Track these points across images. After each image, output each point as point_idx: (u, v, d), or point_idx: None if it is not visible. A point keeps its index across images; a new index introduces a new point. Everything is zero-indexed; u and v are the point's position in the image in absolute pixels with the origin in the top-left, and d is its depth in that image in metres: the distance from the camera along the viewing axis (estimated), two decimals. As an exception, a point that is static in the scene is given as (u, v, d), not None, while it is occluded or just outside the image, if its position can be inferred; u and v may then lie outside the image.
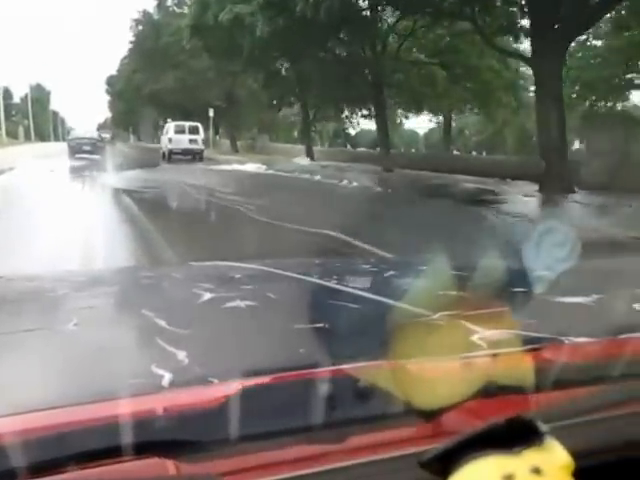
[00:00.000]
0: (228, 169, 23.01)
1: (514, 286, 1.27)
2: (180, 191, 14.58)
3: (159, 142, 37.41)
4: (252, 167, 24.35)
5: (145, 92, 45.10)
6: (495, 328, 0.90)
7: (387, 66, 26.13)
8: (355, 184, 17.27)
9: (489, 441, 0.48)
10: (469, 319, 0.94)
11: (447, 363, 0.77)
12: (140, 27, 47.95)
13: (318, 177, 19.80)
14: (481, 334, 0.88)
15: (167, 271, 1.92)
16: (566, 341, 0.90)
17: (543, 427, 0.49)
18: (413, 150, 51.89)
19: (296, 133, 48.69)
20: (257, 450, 0.62)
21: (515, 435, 0.48)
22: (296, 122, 43.52)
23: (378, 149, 28.95)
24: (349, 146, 46.70)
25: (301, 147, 35.38)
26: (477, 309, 0.99)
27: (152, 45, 44.18)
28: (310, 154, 31.66)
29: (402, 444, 0.63)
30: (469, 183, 18.64)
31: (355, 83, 26.94)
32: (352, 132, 47.94)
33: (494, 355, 0.80)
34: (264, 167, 24.16)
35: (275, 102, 33.59)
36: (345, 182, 17.83)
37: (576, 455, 0.54)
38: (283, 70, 30.59)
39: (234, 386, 0.66)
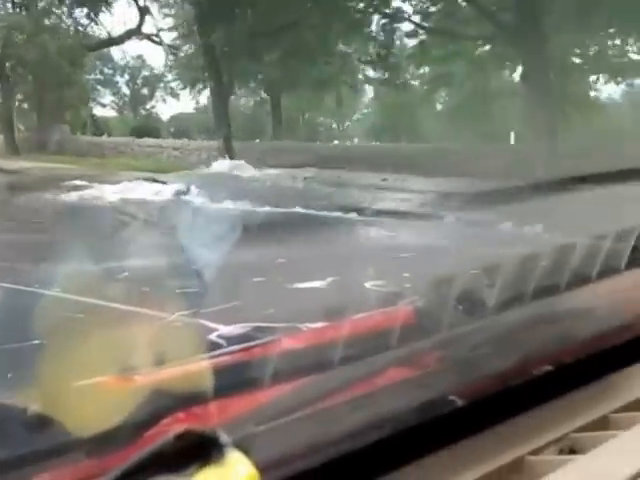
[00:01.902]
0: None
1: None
2: None
3: None
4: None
5: None
6: (233, 323, 0.90)
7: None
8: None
9: (163, 463, 0.42)
10: (207, 317, 0.94)
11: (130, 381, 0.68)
12: None
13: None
14: (221, 331, 0.88)
15: None
16: (303, 328, 0.92)
17: (224, 438, 0.44)
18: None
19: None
20: None
21: (192, 452, 0.42)
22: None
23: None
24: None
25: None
26: (213, 306, 0.99)
27: None
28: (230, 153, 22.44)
29: None
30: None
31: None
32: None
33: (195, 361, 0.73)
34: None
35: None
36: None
37: (277, 461, 0.52)
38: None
39: None
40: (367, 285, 1.07)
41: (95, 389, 0.67)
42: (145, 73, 34.70)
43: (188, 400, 0.60)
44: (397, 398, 0.69)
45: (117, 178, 16.44)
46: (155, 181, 16.04)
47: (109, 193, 14.20)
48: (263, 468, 0.47)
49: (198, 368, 0.68)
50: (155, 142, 26.27)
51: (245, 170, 18.90)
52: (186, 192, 14.43)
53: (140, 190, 14.96)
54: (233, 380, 0.68)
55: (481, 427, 0.70)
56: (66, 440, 0.59)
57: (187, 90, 30.06)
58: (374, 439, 0.64)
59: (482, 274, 0.87)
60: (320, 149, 24.18)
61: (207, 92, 28.11)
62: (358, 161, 17.63)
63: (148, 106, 34.71)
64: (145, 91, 34.89)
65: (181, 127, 31.28)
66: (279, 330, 0.88)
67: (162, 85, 33.75)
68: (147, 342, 0.79)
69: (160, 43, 26.71)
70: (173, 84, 31.82)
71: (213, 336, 0.89)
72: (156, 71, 33.35)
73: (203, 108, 31.25)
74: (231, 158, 21.58)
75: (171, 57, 28.62)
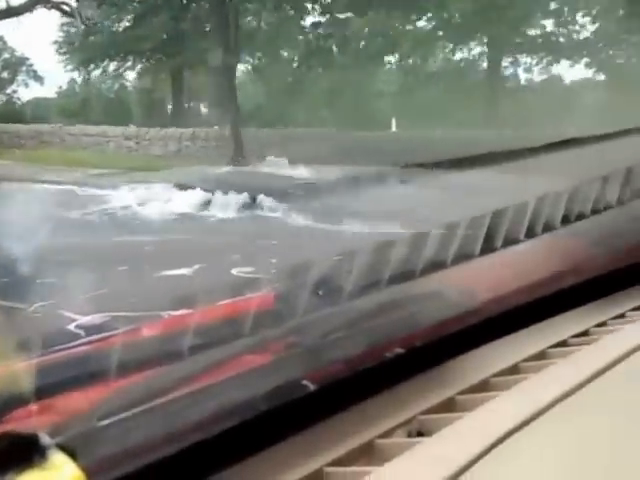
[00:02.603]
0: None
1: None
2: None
3: None
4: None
5: None
6: (96, 313, 0.89)
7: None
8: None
9: None
10: (68, 308, 0.93)
11: None
12: None
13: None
14: (79, 321, 0.87)
15: None
16: (166, 316, 0.90)
17: (46, 440, 0.42)
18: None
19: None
20: None
21: (11, 456, 0.39)
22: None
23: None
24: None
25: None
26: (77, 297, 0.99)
27: None
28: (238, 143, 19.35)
29: None
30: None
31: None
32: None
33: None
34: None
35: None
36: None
37: (115, 458, 0.50)
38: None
39: None
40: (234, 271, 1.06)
41: None
42: (6, 55, 32.40)
43: (20, 399, 0.55)
44: (248, 386, 0.69)
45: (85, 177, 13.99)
46: (182, 187, 12.23)
47: (134, 204, 11.49)
48: (97, 466, 0.44)
49: (28, 365, 0.62)
50: (97, 130, 21.65)
51: (292, 169, 14.84)
52: (253, 204, 11.05)
53: (177, 200, 11.48)
54: (78, 373, 0.65)
55: (333, 411, 0.71)
56: None
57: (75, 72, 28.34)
58: (223, 428, 0.63)
59: (342, 261, 0.88)
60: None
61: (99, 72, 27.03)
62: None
63: (9, 90, 32.49)
64: (5, 75, 32.59)
65: (38, 112, 29.03)
66: (138, 319, 0.86)
67: (24, 69, 31.65)
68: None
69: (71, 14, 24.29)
70: (60, 64, 29.36)
71: (71, 326, 0.85)
72: (18, 53, 31.08)
73: (67, 92, 29.77)
74: (240, 149, 19.03)
75: (61, 34, 26.87)
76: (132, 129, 22.16)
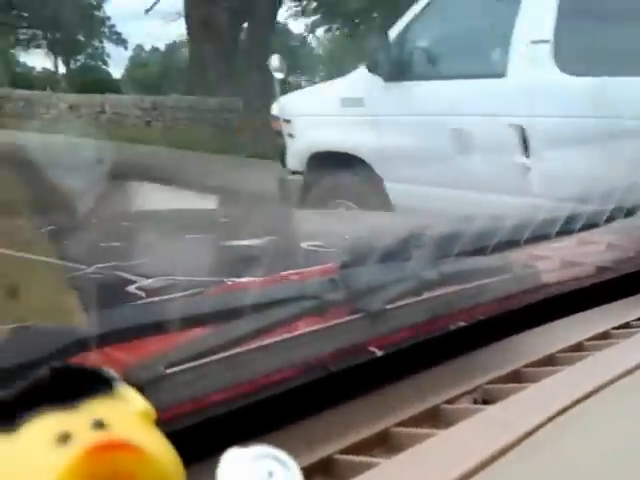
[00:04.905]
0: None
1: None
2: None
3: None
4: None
5: None
6: (156, 275, 0.91)
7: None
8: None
9: (48, 398, 0.38)
10: (127, 269, 0.95)
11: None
12: None
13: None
14: (140, 283, 0.89)
15: None
16: (229, 282, 0.92)
17: (111, 374, 0.41)
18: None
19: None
20: None
21: (78, 388, 0.39)
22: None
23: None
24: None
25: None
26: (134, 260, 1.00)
27: None
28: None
29: None
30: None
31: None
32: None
33: None
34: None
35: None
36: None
37: (180, 405, 0.53)
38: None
39: None
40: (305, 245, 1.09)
41: None
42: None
43: (84, 344, 0.56)
44: (312, 346, 0.72)
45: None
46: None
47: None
48: (164, 409, 0.46)
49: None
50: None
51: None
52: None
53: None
54: (142, 325, 0.65)
55: (400, 377, 0.74)
56: None
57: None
58: (288, 387, 0.66)
59: (413, 233, 0.90)
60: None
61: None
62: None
63: None
64: None
65: None
66: (201, 284, 0.88)
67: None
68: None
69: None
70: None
71: (132, 288, 0.89)
72: None
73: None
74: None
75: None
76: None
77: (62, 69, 29.78)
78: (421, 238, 0.87)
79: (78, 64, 30.32)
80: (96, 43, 31.22)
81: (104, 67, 31.10)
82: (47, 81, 25.46)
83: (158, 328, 0.64)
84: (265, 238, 1.33)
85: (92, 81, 23.74)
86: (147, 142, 12.79)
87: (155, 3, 20.66)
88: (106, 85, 21.21)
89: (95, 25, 30.04)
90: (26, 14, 26.39)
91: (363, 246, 1.00)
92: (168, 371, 0.59)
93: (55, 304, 0.75)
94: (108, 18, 30.92)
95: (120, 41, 31.53)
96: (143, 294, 0.87)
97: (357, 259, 0.84)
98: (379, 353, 0.73)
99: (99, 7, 29.91)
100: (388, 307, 0.77)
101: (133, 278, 0.91)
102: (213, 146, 12.35)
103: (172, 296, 0.81)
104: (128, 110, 15.75)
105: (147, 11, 21.07)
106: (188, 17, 17.13)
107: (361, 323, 0.75)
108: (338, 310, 0.75)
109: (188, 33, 17.72)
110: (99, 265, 0.99)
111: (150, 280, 0.91)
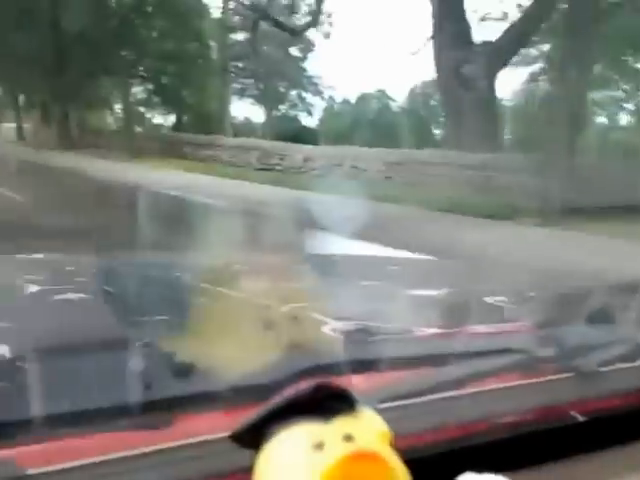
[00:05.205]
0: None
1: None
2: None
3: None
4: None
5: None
6: (344, 320, 0.93)
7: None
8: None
9: (299, 410, 0.46)
10: (318, 311, 0.96)
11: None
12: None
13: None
14: (332, 325, 0.91)
15: None
16: (418, 331, 0.94)
17: (355, 396, 0.47)
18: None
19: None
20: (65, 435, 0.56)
21: (326, 404, 0.46)
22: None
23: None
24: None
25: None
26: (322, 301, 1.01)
27: None
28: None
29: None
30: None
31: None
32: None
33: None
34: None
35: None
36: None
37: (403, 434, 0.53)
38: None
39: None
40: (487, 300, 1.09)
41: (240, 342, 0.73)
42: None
43: (323, 368, 0.64)
44: (514, 401, 0.69)
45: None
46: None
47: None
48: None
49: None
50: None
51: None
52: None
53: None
54: (362, 360, 0.72)
55: (600, 447, 0.69)
56: (207, 389, 0.64)
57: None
58: (488, 439, 0.64)
59: (614, 291, 0.86)
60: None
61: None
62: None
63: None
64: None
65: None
66: (390, 330, 0.91)
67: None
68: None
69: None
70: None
71: (327, 329, 0.93)
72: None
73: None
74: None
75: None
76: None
77: (261, 118, 31.55)
78: (629, 302, 0.82)
79: (279, 113, 32.14)
80: (295, 93, 32.81)
81: (306, 116, 32.65)
82: (248, 129, 27.35)
83: (371, 365, 0.70)
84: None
85: (291, 130, 24.59)
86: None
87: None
88: (304, 135, 21.96)
89: (297, 76, 31.56)
90: (242, 65, 28.22)
91: (558, 305, 0.97)
92: (380, 406, 0.60)
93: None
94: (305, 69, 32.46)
95: (317, 92, 32.92)
96: (337, 335, 0.89)
97: (557, 318, 0.81)
98: (580, 419, 0.68)
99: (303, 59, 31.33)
100: (601, 370, 0.73)
101: (326, 319, 0.95)
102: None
103: (384, 337, 0.86)
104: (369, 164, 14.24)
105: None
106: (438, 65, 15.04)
107: (571, 383, 0.72)
108: (548, 367, 0.73)
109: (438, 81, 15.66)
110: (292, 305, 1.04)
111: (340, 323, 0.94)
